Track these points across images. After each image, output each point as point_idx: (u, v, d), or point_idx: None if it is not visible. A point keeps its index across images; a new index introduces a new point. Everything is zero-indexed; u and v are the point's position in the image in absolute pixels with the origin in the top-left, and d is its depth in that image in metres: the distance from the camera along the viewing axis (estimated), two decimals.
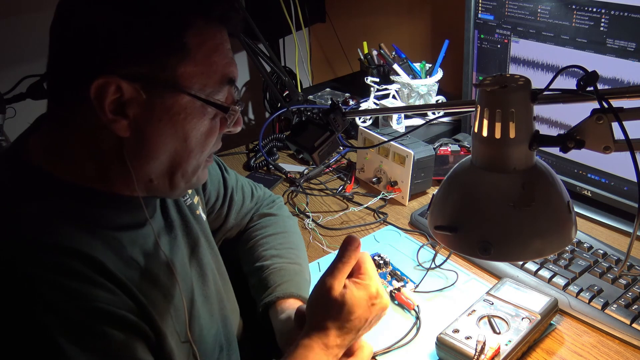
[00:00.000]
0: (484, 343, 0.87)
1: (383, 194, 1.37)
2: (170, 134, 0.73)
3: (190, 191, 0.96)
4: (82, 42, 0.70)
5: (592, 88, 0.63)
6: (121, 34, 0.68)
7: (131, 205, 0.78)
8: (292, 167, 1.55)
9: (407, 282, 1.09)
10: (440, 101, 1.69)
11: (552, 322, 0.98)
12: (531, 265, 1.09)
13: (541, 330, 0.95)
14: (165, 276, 0.80)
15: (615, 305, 0.98)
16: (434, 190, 1.39)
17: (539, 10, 1.25)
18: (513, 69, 1.35)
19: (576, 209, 0.90)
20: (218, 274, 0.97)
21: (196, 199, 0.98)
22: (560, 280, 1.05)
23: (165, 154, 0.74)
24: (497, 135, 0.65)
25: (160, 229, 0.85)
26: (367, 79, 1.72)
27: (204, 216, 0.99)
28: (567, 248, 1.11)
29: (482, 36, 1.40)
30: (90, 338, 0.66)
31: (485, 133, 0.66)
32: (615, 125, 0.63)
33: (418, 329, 0.99)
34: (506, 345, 0.88)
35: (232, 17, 0.75)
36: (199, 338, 0.85)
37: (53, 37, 0.72)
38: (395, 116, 1.61)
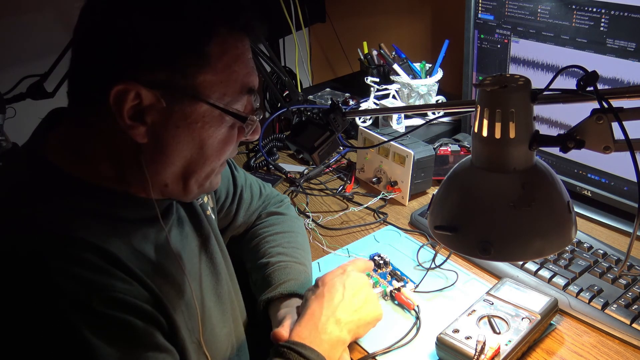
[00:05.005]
0: (484, 343, 0.87)
1: (383, 194, 1.37)
2: (187, 141, 0.73)
3: None
4: (105, 46, 0.70)
5: (592, 88, 0.63)
6: (143, 40, 0.68)
7: (146, 206, 0.78)
8: (292, 167, 1.55)
9: (407, 282, 1.09)
10: (440, 101, 1.69)
11: (552, 322, 0.98)
12: (531, 265, 1.09)
13: (541, 330, 0.95)
14: (177, 272, 0.81)
15: (615, 305, 0.98)
16: (434, 190, 1.39)
17: (539, 10, 1.25)
18: (513, 69, 1.35)
19: (576, 209, 0.90)
20: (228, 274, 0.97)
21: (206, 199, 0.98)
22: (560, 280, 1.05)
23: (181, 161, 0.75)
24: (497, 135, 0.65)
25: (172, 226, 0.86)
26: (367, 79, 1.72)
27: (213, 216, 0.99)
28: (567, 248, 1.11)
29: (482, 36, 1.40)
30: (110, 326, 0.67)
31: (485, 133, 0.66)
32: (615, 125, 0.63)
33: (418, 329, 0.99)
34: (506, 345, 0.88)
35: (255, 26, 0.75)
36: (211, 337, 0.86)
37: (76, 39, 0.73)
38: (395, 116, 1.61)
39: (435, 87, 1.66)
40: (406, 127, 1.63)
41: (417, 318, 1.01)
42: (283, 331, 0.88)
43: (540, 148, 0.67)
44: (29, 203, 0.71)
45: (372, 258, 1.15)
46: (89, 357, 0.64)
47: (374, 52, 1.84)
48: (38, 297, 0.64)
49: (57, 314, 0.64)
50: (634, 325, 0.94)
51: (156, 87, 0.69)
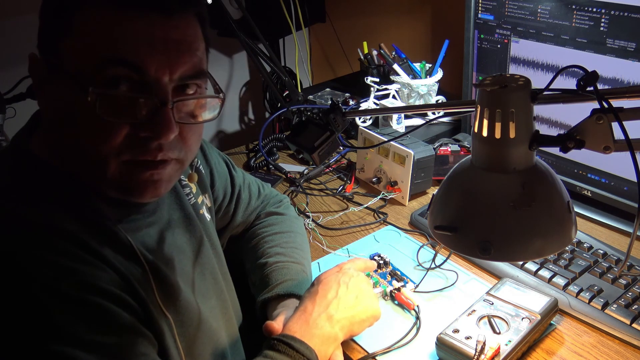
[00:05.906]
0: (484, 343, 0.87)
1: (383, 194, 1.37)
2: (68, 120, 0.71)
3: (194, 190, 0.97)
4: None
5: (592, 88, 0.63)
6: (41, 12, 0.73)
7: (128, 205, 0.78)
8: (292, 167, 1.55)
9: (407, 282, 1.09)
10: (440, 101, 1.69)
11: (552, 322, 0.98)
12: (531, 265, 1.09)
13: (541, 330, 0.95)
14: (165, 270, 0.81)
15: (615, 305, 0.98)
16: (434, 190, 1.39)
17: (539, 10, 1.25)
18: (513, 69, 1.35)
19: (576, 209, 0.90)
20: (220, 274, 0.97)
21: (200, 199, 0.98)
22: (560, 280, 1.05)
23: (75, 143, 0.72)
24: (497, 135, 0.65)
25: (163, 223, 0.86)
26: (367, 79, 1.72)
27: (207, 216, 0.99)
28: (567, 248, 1.11)
29: (482, 36, 1.40)
30: (81, 309, 0.66)
31: (485, 133, 0.66)
32: (615, 125, 0.63)
33: (418, 329, 0.99)
34: (506, 345, 0.88)
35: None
36: (198, 335, 0.86)
37: None
38: (395, 116, 1.61)
39: (435, 87, 1.66)
40: (406, 127, 1.63)
41: (417, 318, 1.01)
42: (275, 324, 0.88)
43: (540, 148, 0.67)
44: (17, 200, 0.71)
45: (372, 258, 1.15)
46: (61, 340, 0.64)
47: (374, 52, 1.84)
48: (9, 284, 0.64)
49: (27, 298, 0.64)
50: (634, 325, 0.94)
51: (44, 55, 0.72)
